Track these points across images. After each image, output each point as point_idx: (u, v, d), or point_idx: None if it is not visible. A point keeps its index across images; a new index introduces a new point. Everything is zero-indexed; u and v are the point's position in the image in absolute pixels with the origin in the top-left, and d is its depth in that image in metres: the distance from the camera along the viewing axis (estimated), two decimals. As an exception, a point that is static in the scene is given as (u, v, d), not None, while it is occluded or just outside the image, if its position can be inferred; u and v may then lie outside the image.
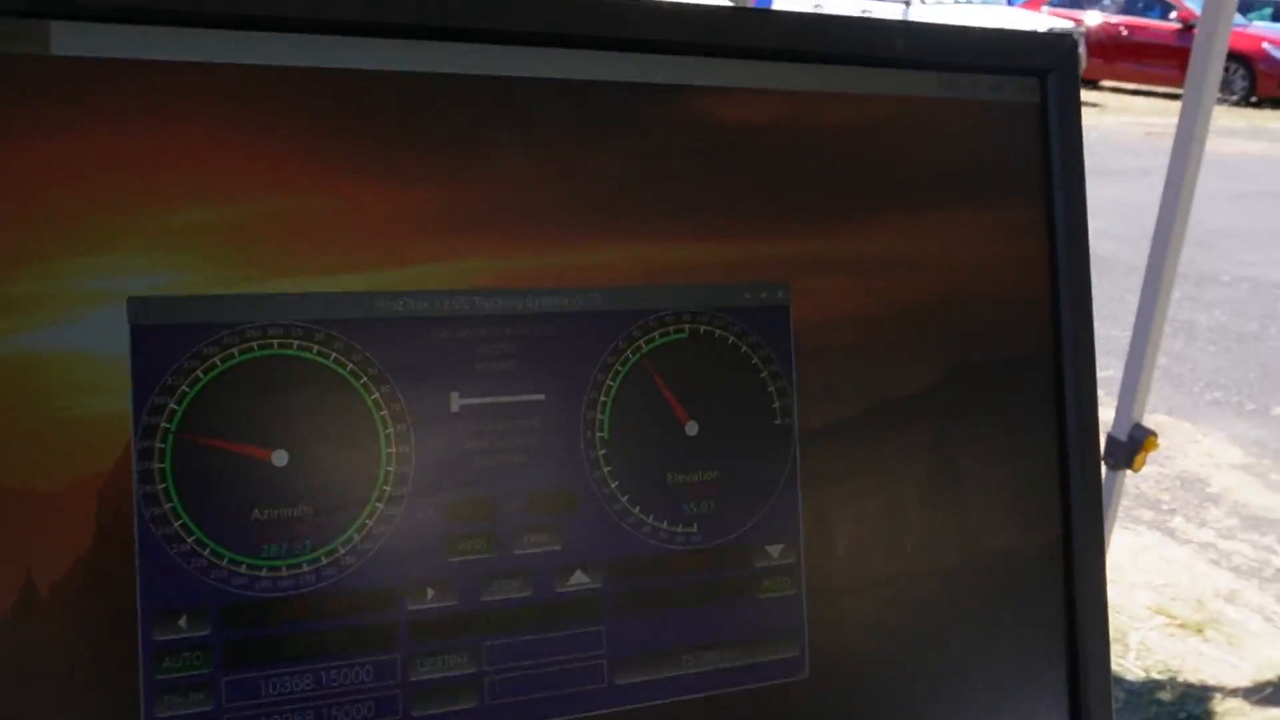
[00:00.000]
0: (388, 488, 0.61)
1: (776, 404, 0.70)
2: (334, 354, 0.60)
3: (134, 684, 0.57)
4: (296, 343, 0.60)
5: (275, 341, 0.59)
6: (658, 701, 0.67)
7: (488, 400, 0.63)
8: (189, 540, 0.57)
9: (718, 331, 0.69)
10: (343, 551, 0.60)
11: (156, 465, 0.57)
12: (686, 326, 0.68)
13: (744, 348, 0.69)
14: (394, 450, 0.61)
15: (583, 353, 0.65)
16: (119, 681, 0.56)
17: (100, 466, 0.56)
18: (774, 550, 0.70)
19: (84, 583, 0.56)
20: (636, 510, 0.67)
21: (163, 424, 0.57)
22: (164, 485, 0.57)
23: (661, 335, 0.67)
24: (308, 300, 0.60)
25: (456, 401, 0.63)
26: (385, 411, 0.61)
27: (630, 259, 0.67)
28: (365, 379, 0.61)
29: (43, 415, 0.55)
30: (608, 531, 0.66)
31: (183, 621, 0.57)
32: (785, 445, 0.70)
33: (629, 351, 0.67)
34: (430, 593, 0.62)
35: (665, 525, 0.67)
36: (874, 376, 0.73)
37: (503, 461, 0.64)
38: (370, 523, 0.61)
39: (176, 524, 0.57)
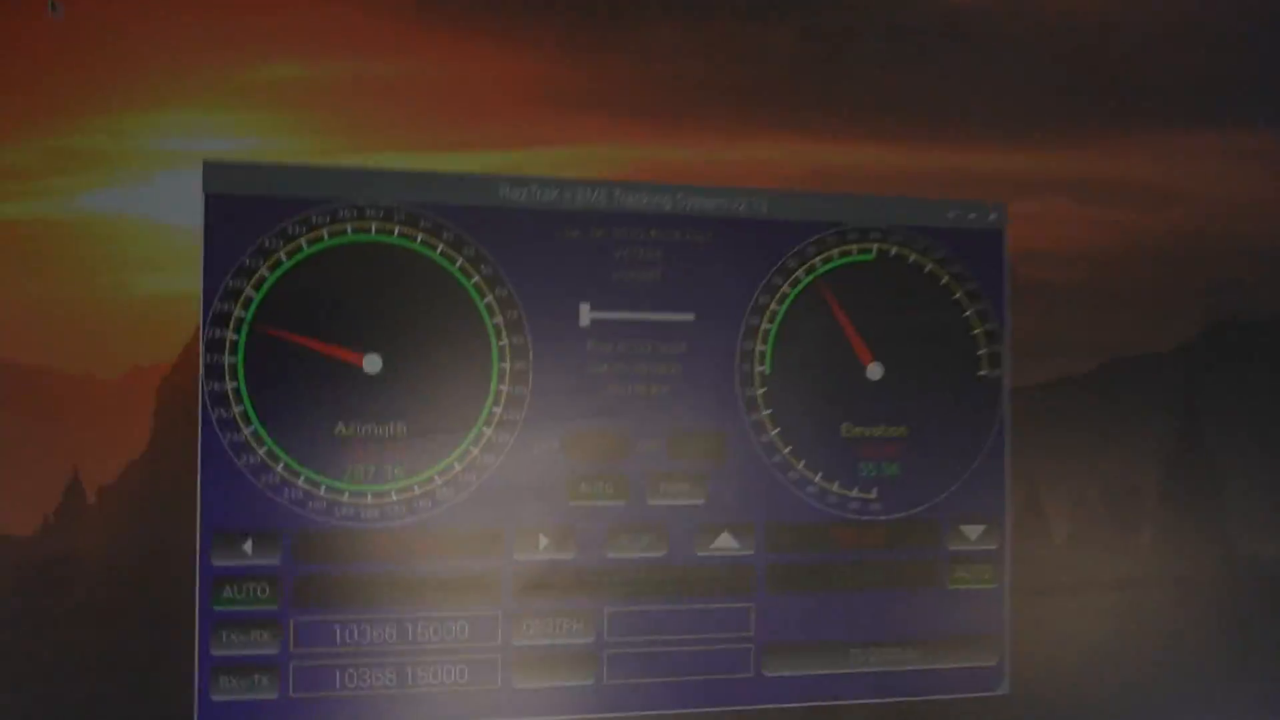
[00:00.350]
0: (498, 410, 0.51)
1: (983, 350, 0.57)
2: (441, 245, 0.50)
3: (190, 614, 0.48)
4: (398, 229, 0.50)
5: (373, 225, 0.50)
6: (814, 702, 0.55)
7: (625, 316, 0.52)
8: (260, 451, 0.49)
9: (913, 256, 0.56)
10: (439, 482, 0.50)
11: (227, 360, 0.48)
12: (874, 247, 0.56)
13: (945, 278, 0.56)
14: (508, 366, 0.51)
15: (745, 268, 0.53)
16: (172, 610, 0.47)
17: (163, 356, 0.48)
18: (971, 531, 0.57)
19: (137, 491, 0.47)
20: (801, 465, 0.54)
21: (237, 312, 0.48)
22: (235, 384, 0.48)
23: (842, 255, 0.55)
24: (413, 180, 0.50)
25: (587, 314, 0.52)
26: (499, 319, 0.51)
27: (808, 159, 0.55)
28: (478, 278, 0.51)
29: (102, 290, 0.47)
30: (764, 488, 0.53)
31: (248, 546, 0.48)
32: (992, 403, 0.57)
33: (801, 271, 0.55)
34: (543, 541, 0.51)
35: (836, 487, 0.55)
36: (1108, 327, 0.58)
37: (639, 391, 0.52)
38: (475, 450, 0.51)
39: (247, 430, 0.48)
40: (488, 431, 0.50)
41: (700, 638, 0.53)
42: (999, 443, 0.56)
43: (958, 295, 0.56)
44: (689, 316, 0.53)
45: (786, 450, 0.54)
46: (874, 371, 0.55)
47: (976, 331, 0.56)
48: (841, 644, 0.54)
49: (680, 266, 0.53)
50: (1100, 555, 0.58)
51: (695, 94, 0.53)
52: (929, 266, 0.56)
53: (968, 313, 0.56)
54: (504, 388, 0.51)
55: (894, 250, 0.55)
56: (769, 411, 0.54)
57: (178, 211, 0.48)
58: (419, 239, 0.50)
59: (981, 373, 0.56)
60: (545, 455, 0.51)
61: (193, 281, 0.48)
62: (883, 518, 0.55)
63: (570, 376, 0.51)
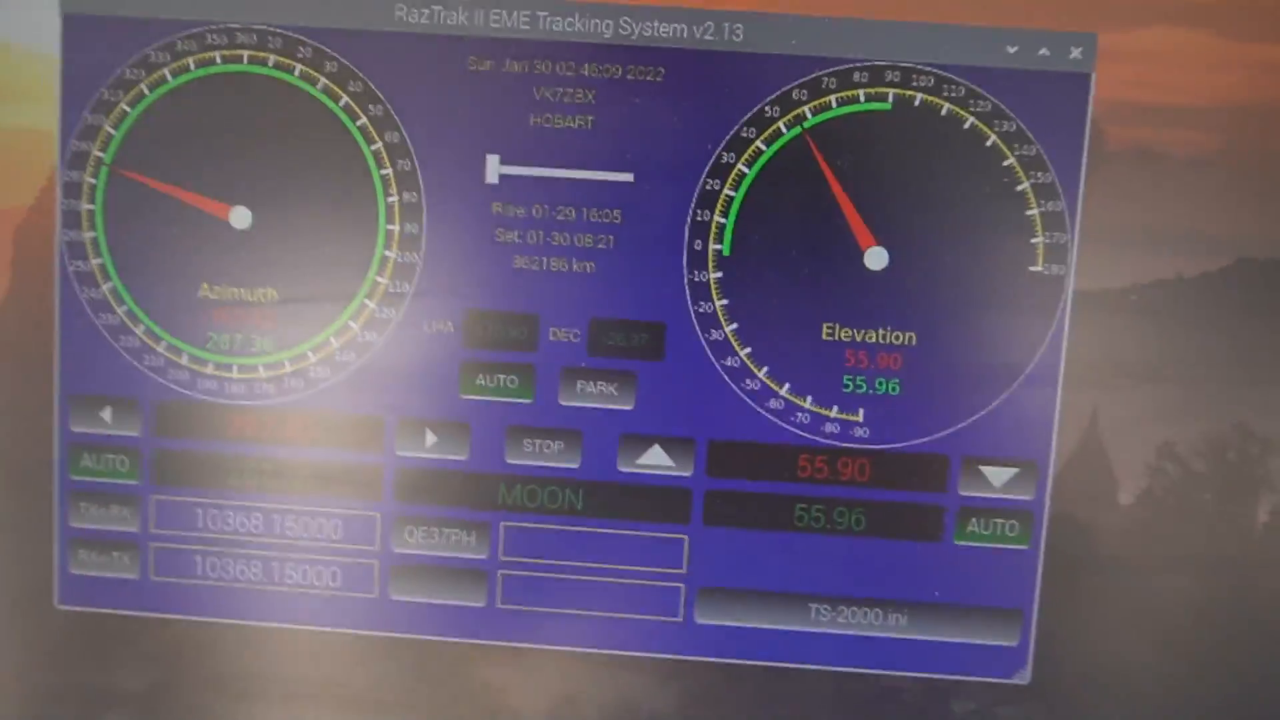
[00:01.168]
0: (383, 280, 0.43)
1: (1040, 238, 0.42)
2: (322, 79, 0.42)
3: (48, 481, 0.45)
4: (272, 58, 0.42)
5: (244, 54, 0.42)
6: (757, 661, 0.45)
7: (543, 173, 0.42)
8: (119, 310, 0.43)
9: (948, 107, 0.42)
10: (313, 359, 0.43)
11: (85, 206, 0.43)
12: (892, 93, 0.42)
13: (992, 138, 0.42)
14: (396, 228, 0.43)
15: (705, 116, 0.41)
16: (32, 476, 0.44)
17: (18, 200, 0.43)
18: (996, 475, 0.43)
19: (-7, 343, 0.45)
20: (763, 372, 0.43)
21: (95, 152, 0.42)
22: (93, 234, 0.43)
23: (844, 102, 0.42)
24: (291, -3, 0.44)
25: (495, 169, 0.42)
26: (388, 171, 0.42)
27: (801, -28, 0.43)
28: (364, 120, 0.42)
29: (-44, 122, 0.44)
30: (711, 397, 0.43)
31: (106, 414, 0.44)
32: (1046, 308, 0.42)
33: (783, 123, 0.42)
34: (431, 438, 0.44)
35: (809, 403, 0.43)
36: (1236, 214, 0.41)
37: (557, 267, 0.43)
38: (355, 325, 0.43)
39: (105, 286, 0.43)
40: (370, 304, 0.43)
41: (617, 568, 0.44)
42: (1051, 362, 0.42)
43: (1010, 160, 0.41)
44: (626, 177, 0.42)
45: (745, 352, 0.42)
46: (875, 259, 0.42)
47: (1033, 211, 0.42)
48: (799, 596, 0.43)
49: (619, 112, 0.41)
50: (1185, 524, 0.43)
51: (649, -115, 0.41)
52: (969, 122, 0.41)
53: (1023, 185, 0.41)
54: (391, 253, 0.42)
55: (919, 99, 0.41)
56: (724, 302, 0.42)
57: (33, 32, 0.42)
58: (296, 70, 0.42)
59: (1035, 268, 0.42)
60: (437, 337, 0.43)
61: (49, 118, 0.43)
62: (870, 446, 0.43)
63: (471, 244, 0.42)
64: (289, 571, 0.44)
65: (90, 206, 0.43)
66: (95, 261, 0.43)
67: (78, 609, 0.45)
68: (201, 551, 0.44)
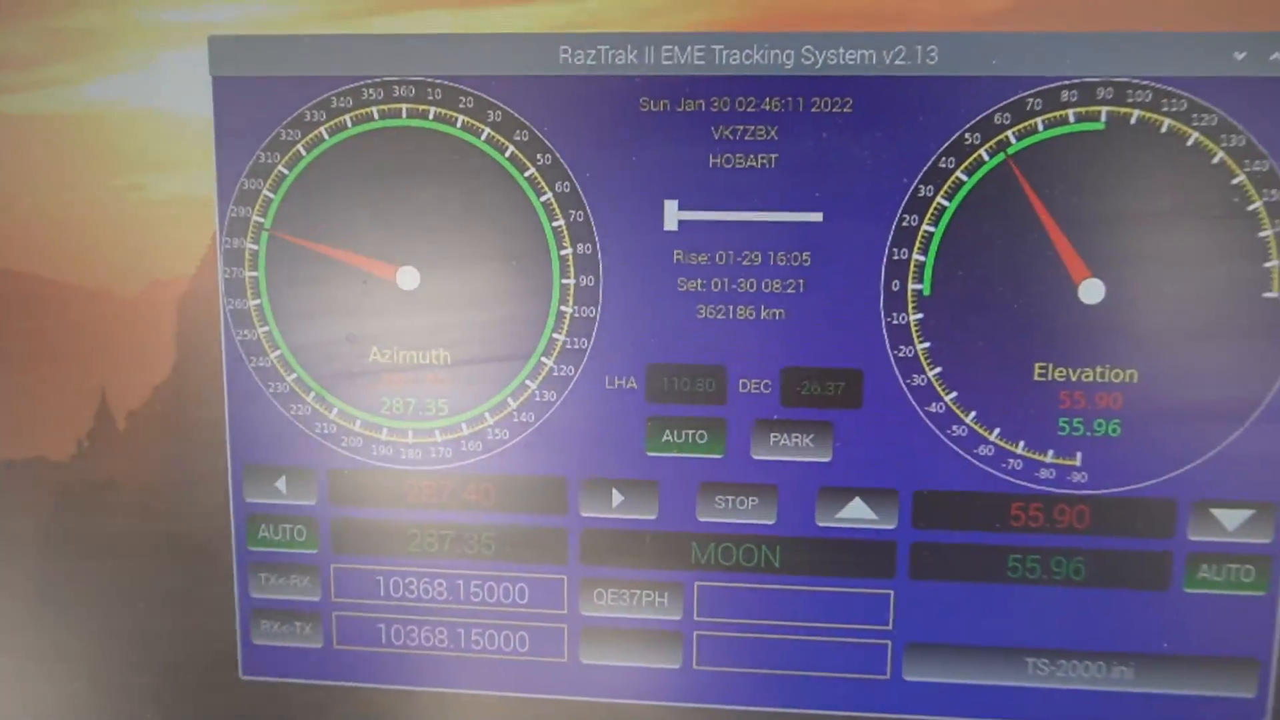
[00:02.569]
0: (560, 336, 0.41)
1: (1276, 261, 0.38)
2: (486, 129, 0.39)
3: (226, 552, 0.44)
4: (433, 110, 0.40)
5: (403, 108, 0.40)
6: (976, 719, 0.43)
7: (726, 216, 0.39)
8: (288, 378, 0.42)
9: (1167, 123, 0.38)
10: (491, 421, 0.42)
11: (248, 273, 0.41)
12: (1104, 111, 0.38)
13: (1219, 155, 0.38)
14: (571, 282, 0.40)
15: (899, 147, 0.38)
16: (209, 546, 0.43)
17: (181, 270, 0.42)
18: (1229, 518, 0.40)
19: (163, 417, 0.43)
20: (970, 418, 0.40)
21: (254, 217, 0.41)
22: (257, 301, 0.42)
23: (1052, 124, 0.38)
24: (450, 46, 0.39)
25: (674, 214, 0.40)
26: (561, 222, 0.40)
27: (1002, -16, 0.39)
28: (532, 170, 0.39)
29: (111, 195, 0.41)
30: (914, 445, 0.40)
31: (281, 484, 0.43)
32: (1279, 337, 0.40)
33: (985, 150, 0.38)
34: (617, 497, 0.42)
35: (1022, 449, 0.40)
36: None
37: (744, 315, 0.40)
38: (532, 384, 0.41)
39: (273, 355, 0.42)
40: (548, 362, 0.41)
41: (819, 626, 0.42)
42: (1288, 395, 0.39)
43: (1238, 180, 0.38)
44: (815, 216, 0.39)
45: (950, 397, 0.40)
46: (1091, 291, 0.39)
47: (1265, 234, 0.38)
48: (1015, 651, 0.41)
49: (804, 148, 0.38)
50: None
51: (832, -101, 0.38)
52: (1192, 138, 0.37)
53: (1252, 206, 0.38)
54: (567, 309, 0.40)
55: (1135, 116, 0.38)
56: (926, 345, 0.39)
57: (185, 98, 0.40)
58: (459, 122, 0.39)
59: (1270, 294, 0.38)
60: (619, 393, 0.40)
61: (206, 182, 0.41)
62: (1089, 492, 0.40)
63: (652, 294, 0.40)
64: (475, 637, 0.43)
65: (253, 273, 0.41)
66: (261, 329, 0.42)
67: (262, 679, 0.45)
68: (385, 619, 0.43)
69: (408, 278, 0.41)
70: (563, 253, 0.40)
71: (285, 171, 0.40)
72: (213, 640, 0.44)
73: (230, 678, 0.44)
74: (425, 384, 0.41)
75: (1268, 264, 0.38)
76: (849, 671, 0.42)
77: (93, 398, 0.43)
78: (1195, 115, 0.38)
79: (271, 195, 0.41)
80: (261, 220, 0.41)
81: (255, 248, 0.41)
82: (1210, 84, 0.37)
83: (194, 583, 0.44)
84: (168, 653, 0.44)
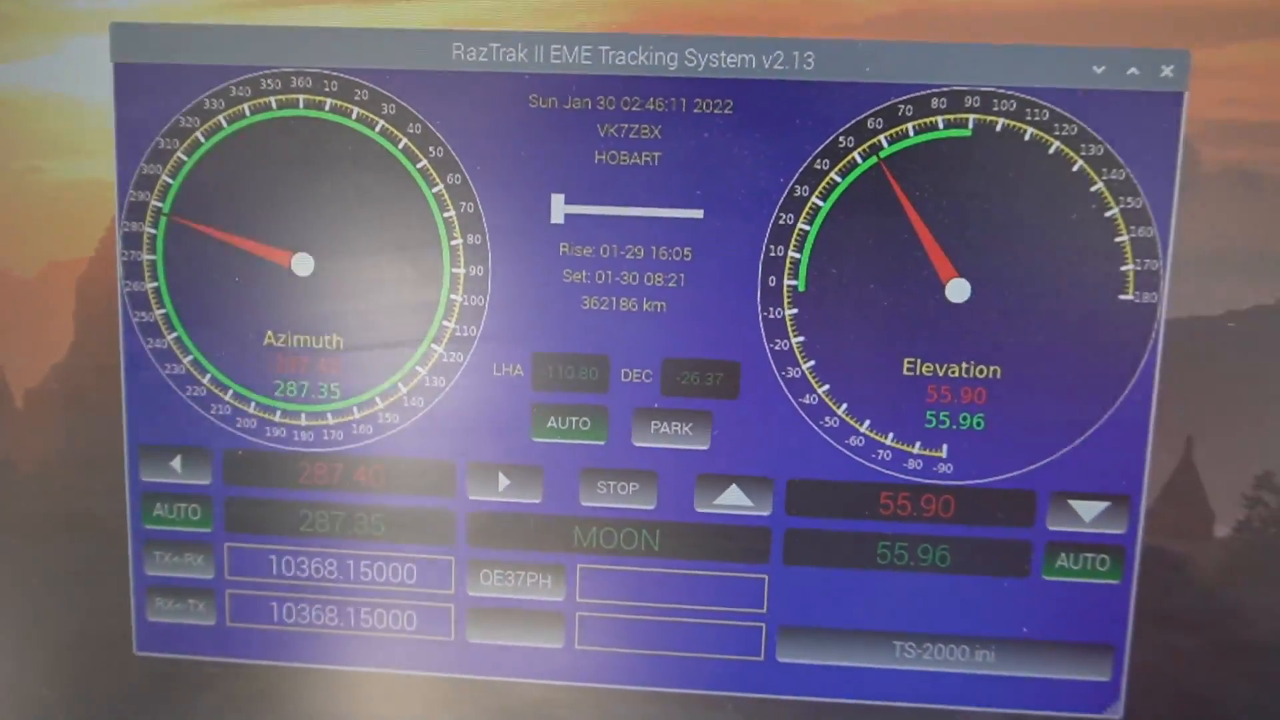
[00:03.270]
0: (450, 323, 0.42)
1: (1130, 265, 0.41)
2: (381, 121, 0.41)
3: (121, 530, 0.45)
4: (329, 102, 0.41)
5: (300, 98, 0.41)
6: (846, 699, 0.44)
7: (610, 211, 0.41)
8: (184, 360, 0.43)
9: (1031, 131, 0.40)
10: (382, 405, 0.43)
11: (145, 257, 0.42)
12: (972, 119, 0.40)
13: (1079, 163, 0.40)
14: (461, 271, 0.42)
15: (777, 148, 0.40)
16: (105, 525, 0.44)
17: (80, 251, 0.42)
18: (1086, 509, 0.42)
19: (61, 397, 0.44)
20: (842, 409, 0.42)
21: (153, 202, 0.42)
22: (155, 284, 0.42)
23: (922, 130, 0.40)
24: (348, 39, 0.40)
25: (560, 208, 0.41)
26: (451, 213, 0.41)
27: (875, -6, 0.41)
28: (425, 162, 0.41)
29: (13, 176, 0.42)
30: (790, 436, 0.42)
31: (176, 463, 0.44)
32: (1137, 338, 0.40)
33: (858, 153, 0.40)
34: (503, 481, 0.43)
35: (891, 440, 0.42)
36: (1336, 234, 0.40)
37: (627, 307, 0.42)
38: (422, 370, 0.42)
39: (169, 337, 0.43)
40: (437, 349, 0.42)
41: (696, 608, 0.43)
42: (1143, 394, 0.40)
43: (1098, 185, 0.40)
44: (696, 213, 0.40)
45: (823, 389, 0.41)
46: (957, 291, 0.40)
47: (1123, 238, 0.40)
48: (883, 634, 0.43)
49: (687, 147, 0.40)
50: (1284, 557, 0.42)
51: (714, -92, 0.39)
52: (1054, 147, 0.39)
53: (1112, 210, 0.40)
54: (457, 297, 0.41)
55: (1000, 124, 0.39)
56: (801, 339, 0.41)
57: (87, 85, 0.41)
58: (354, 114, 0.41)
59: (1125, 296, 0.40)
60: (506, 380, 0.42)
61: (106, 166, 0.42)
62: (954, 483, 0.41)
63: (538, 285, 0.41)
64: (365, 616, 0.44)
65: (151, 257, 0.42)
66: (159, 312, 0.42)
67: (156, 655, 0.45)
68: (277, 598, 0.44)
69: (303, 264, 0.42)
70: (453, 243, 0.41)
71: (184, 158, 0.41)
72: (107, 617, 0.45)
73: (124, 654, 0.45)
74: (319, 368, 0.42)
75: (1123, 268, 0.40)
76: (725, 653, 0.43)
77: (-9, 376, 0.44)
78: (1057, 125, 0.39)
79: (170, 181, 0.41)
80: (160, 205, 0.42)
81: (154, 232, 0.42)
82: (1071, 96, 0.39)
83: (89, 560, 0.44)
84: (62, 629, 0.45)
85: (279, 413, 0.43)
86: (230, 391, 0.43)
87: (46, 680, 0.46)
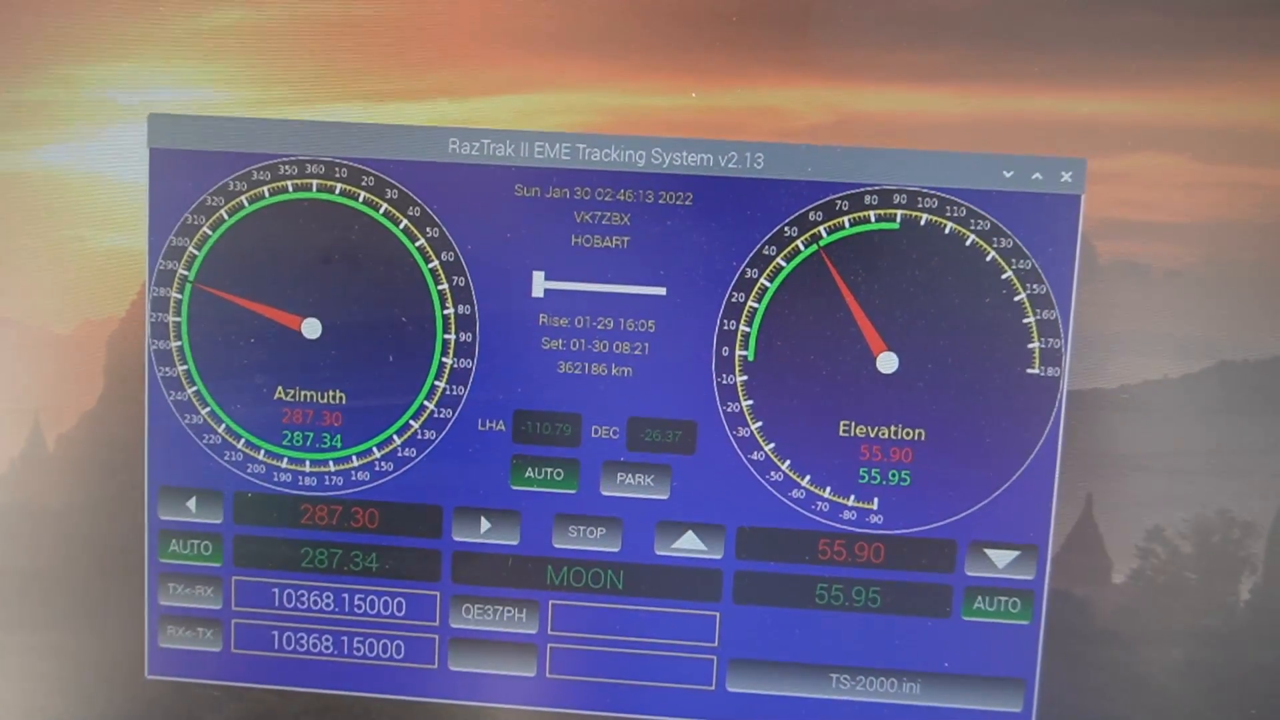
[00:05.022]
0: (440, 384, 0.47)
1: (1036, 343, 0.46)
2: (384, 205, 0.46)
3: (139, 564, 0.50)
4: (339, 186, 0.47)
5: (314, 183, 0.46)
6: (788, 728, 0.49)
7: (584, 287, 0.47)
8: (202, 411, 0.48)
9: (950, 226, 0.46)
10: (378, 455, 0.48)
11: (171, 319, 0.48)
12: (899, 214, 0.46)
13: (991, 254, 0.46)
14: (453, 338, 0.47)
15: (730, 235, 0.46)
16: (124, 559, 0.49)
17: (112, 311, 0.48)
18: (1000, 557, 0.47)
19: (90, 442, 0.48)
20: (786, 465, 0.47)
21: (180, 270, 0.47)
22: (179, 343, 0.48)
23: (856, 223, 0.46)
24: (357, 133, 0.46)
25: (541, 284, 0.47)
26: (445, 286, 0.47)
27: (816, 105, 0.46)
28: (422, 241, 0.47)
29: (56, 244, 0.47)
30: (740, 487, 0.47)
31: (191, 504, 0.49)
32: (1042, 407, 0.46)
33: (801, 241, 0.46)
34: (485, 524, 0.48)
35: (828, 493, 0.47)
36: (1206, 323, 0.46)
37: (597, 372, 0.47)
38: (415, 424, 0.48)
39: (190, 390, 0.48)
40: (429, 405, 0.47)
41: (655, 642, 0.48)
42: (1048, 455, 0.46)
43: (1008, 274, 0.45)
44: (660, 290, 0.46)
45: (769, 447, 0.47)
46: (887, 363, 0.46)
47: (1029, 320, 0.46)
48: (822, 667, 0.47)
49: (652, 233, 0.46)
50: (1173, 601, 0.46)
51: (678, 28, 0.45)
52: (970, 239, 0.45)
53: (1020, 296, 0.45)
54: (448, 360, 0.47)
55: (924, 219, 0.45)
56: (750, 402, 0.46)
57: (125, 167, 0.47)
58: (361, 197, 0.46)
59: (1032, 370, 0.46)
60: (490, 434, 0.47)
61: (139, 237, 0.47)
62: (884, 532, 0.47)
63: (520, 351, 0.46)
64: (357, 645, 0.49)
65: (176, 319, 0.47)
66: (181, 368, 0.48)
67: (166, 678, 0.50)
68: (278, 627, 0.49)
69: (311, 328, 0.47)
70: (445, 312, 0.47)
71: (209, 232, 0.47)
72: (122, 643, 0.49)
73: (137, 677, 0.50)
74: (323, 421, 0.47)
75: (1030, 345, 0.46)
76: (680, 682, 0.48)
77: (27, 421, 0.48)
78: (972, 220, 0.45)
79: (196, 252, 0.47)
80: (186, 273, 0.47)
81: (179, 296, 0.47)
82: (985, 195, 0.45)
83: (108, 591, 0.49)
84: (80, 654, 0.50)
85: (285, 460, 0.48)
86: (242, 440, 0.48)
87: (63, 701, 0.50)
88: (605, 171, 0.46)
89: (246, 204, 0.47)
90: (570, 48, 0.46)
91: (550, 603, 0.48)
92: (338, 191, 0.46)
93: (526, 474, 0.47)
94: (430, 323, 0.47)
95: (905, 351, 0.46)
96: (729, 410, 0.47)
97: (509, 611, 0.48)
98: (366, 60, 0.46)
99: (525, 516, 0.48)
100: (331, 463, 0.48)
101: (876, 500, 0.47)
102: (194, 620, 0.49)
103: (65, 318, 0.48)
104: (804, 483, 0.47)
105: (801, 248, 0.46)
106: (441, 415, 0.47)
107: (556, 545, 0.48)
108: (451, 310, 0.47)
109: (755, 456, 0.47)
